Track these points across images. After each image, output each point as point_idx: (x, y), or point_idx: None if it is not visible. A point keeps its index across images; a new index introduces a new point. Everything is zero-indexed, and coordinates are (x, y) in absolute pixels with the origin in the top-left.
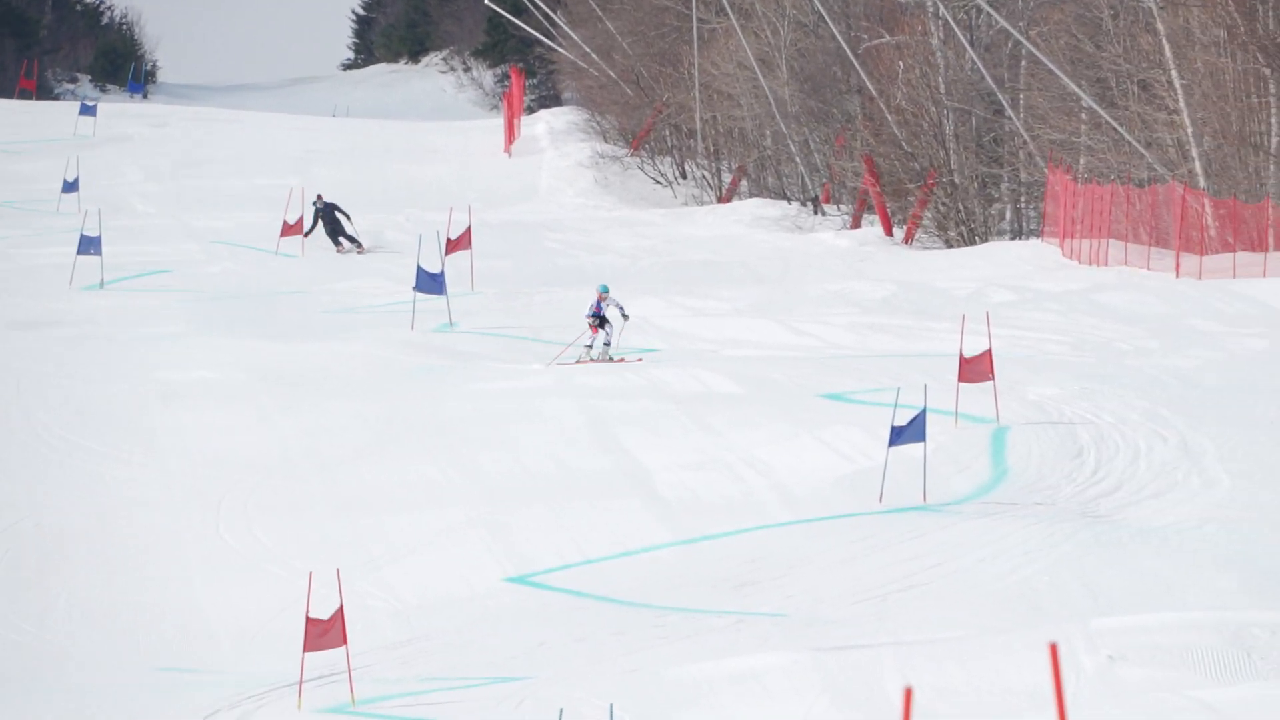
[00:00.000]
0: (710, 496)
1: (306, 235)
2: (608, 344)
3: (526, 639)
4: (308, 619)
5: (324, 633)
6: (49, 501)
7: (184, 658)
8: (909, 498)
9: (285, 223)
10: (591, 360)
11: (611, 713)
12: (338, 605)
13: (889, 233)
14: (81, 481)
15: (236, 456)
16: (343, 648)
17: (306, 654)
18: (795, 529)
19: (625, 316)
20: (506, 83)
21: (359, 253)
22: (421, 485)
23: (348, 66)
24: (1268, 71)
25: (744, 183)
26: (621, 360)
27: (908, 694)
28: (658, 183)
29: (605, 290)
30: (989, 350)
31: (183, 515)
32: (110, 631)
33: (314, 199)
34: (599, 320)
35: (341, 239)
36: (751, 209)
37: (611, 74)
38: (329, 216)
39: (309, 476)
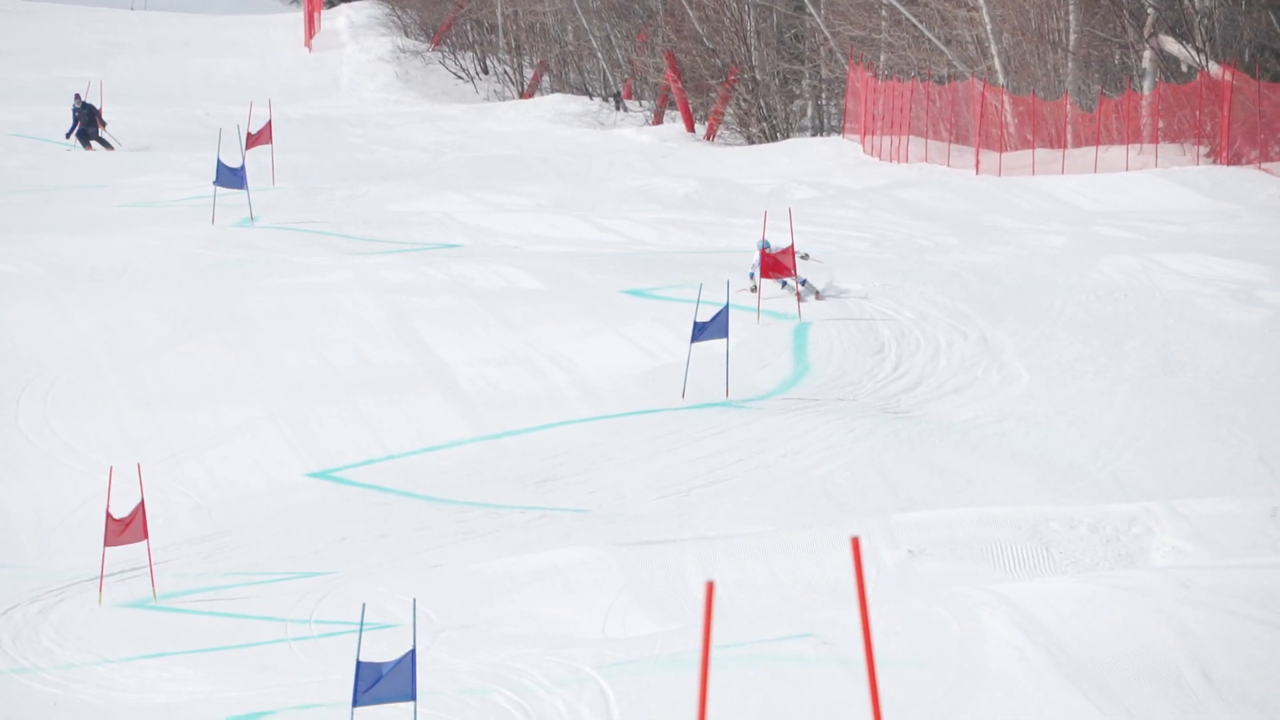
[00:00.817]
0: (513, 392)
1: (68, 136)
2: (804, 282)
3: (329, 534)
4: (108, 514)
5: (124, 528)
6: None
7: None
8: (712, 394)
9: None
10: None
11: (415, 608)
12: (139, 500)
13: (691, 129)
14: None
15: (34, 352)
16: (144, 542)
17: (107, 549)
18: (598, 425)
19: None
20: None
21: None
22: (221, 380)
23: None
24: None
25: (546, 78)
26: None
27: (709, 588)
28: (459, 78)
29: (765, 246)
30: (791, 246)
31: None
32: None
33: (74, 99)
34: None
35: (93, 141)
36: (554, 105)
37: None
38: (87, 117)
39: (108, 371)
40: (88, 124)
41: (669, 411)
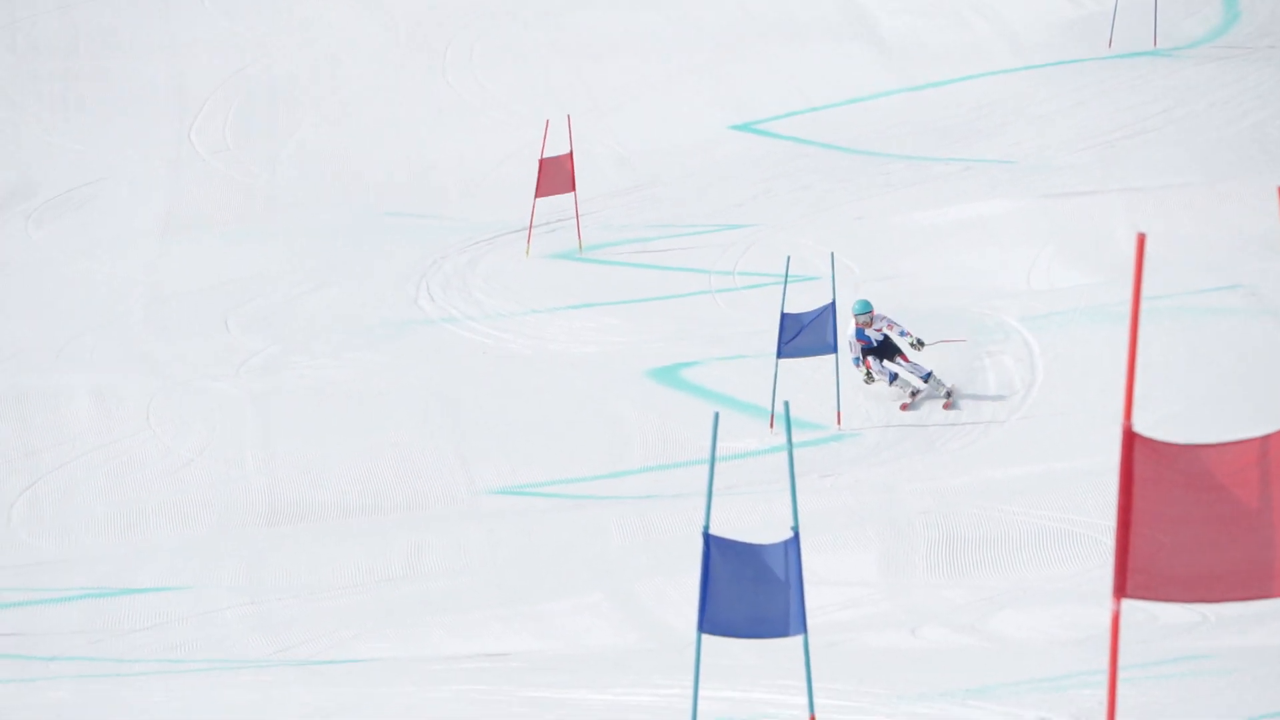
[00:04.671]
0: (937, 42)
1: None
2: (925, 377)
3: (751, 186)
4: (541, 161)
5: (553, 177)
6: (276, 47)
7: (413, 204)
8: (1139, 42)
9: None
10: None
11: (833, 260)
12: (567, 150)
13: None
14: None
15: (459, 4)
16: (571, 194)
17: (536, 200)
18: (1023, 75)
19: (917, 344)
20: None
21: None
22: (642, 32)
23: None
24: None
25: None
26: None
27: (1140, 240)
28: None
29: (863, 309)
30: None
31: (407, 64)
32: (340, 176)
33: None
34: (873, 353)
35: None
36: None
37: None
38: None
39: (533, 22)
40: None
41: (1094, 61)
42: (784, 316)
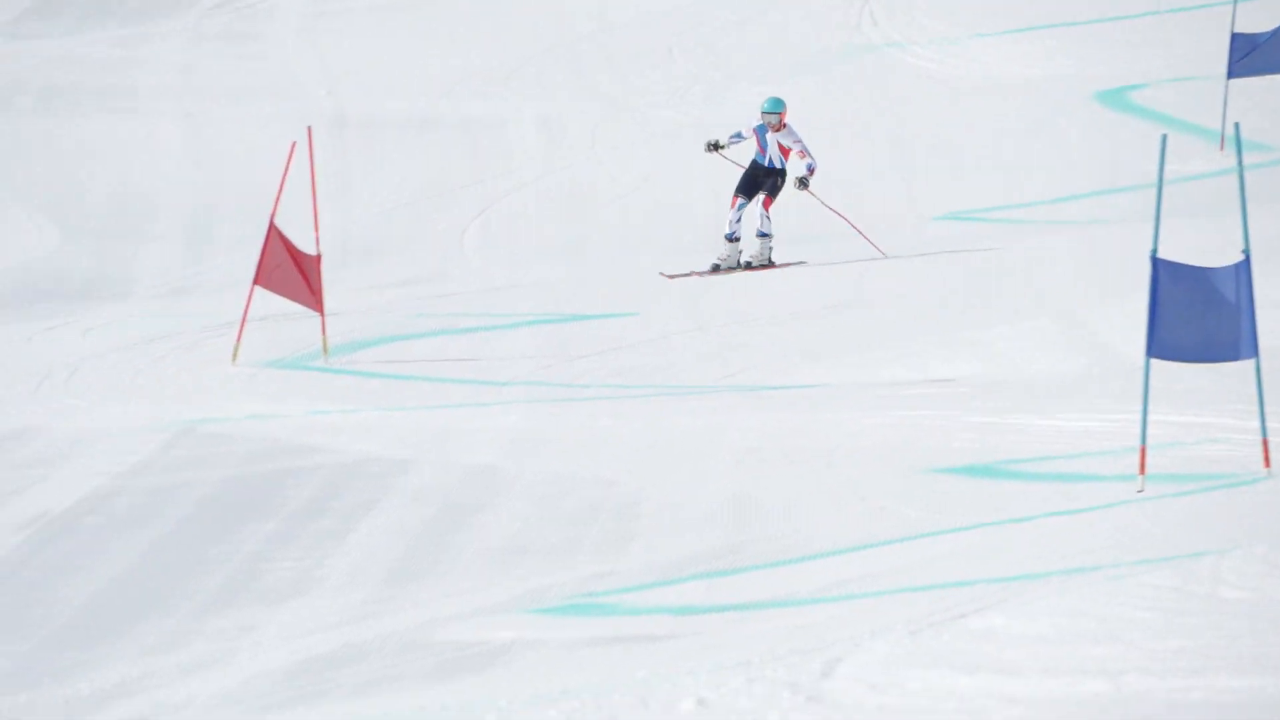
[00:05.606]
0: None
1: None
2: (765, 234)
3: None
4: None
5: None
6: None
7: None
8: None
9: None
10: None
11: None
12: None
13: None
14: None
15: None
16: None
17: None
18: None
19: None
20: None
21: None
22: None
23: None
24: None
25: None
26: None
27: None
28: None
29: (775, 107)
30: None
31: None
32: None
33: None
34: (758, 173)
35: None
36: None
37: None
38: None
39: None
40: None
41: None
42: (1234, 36)
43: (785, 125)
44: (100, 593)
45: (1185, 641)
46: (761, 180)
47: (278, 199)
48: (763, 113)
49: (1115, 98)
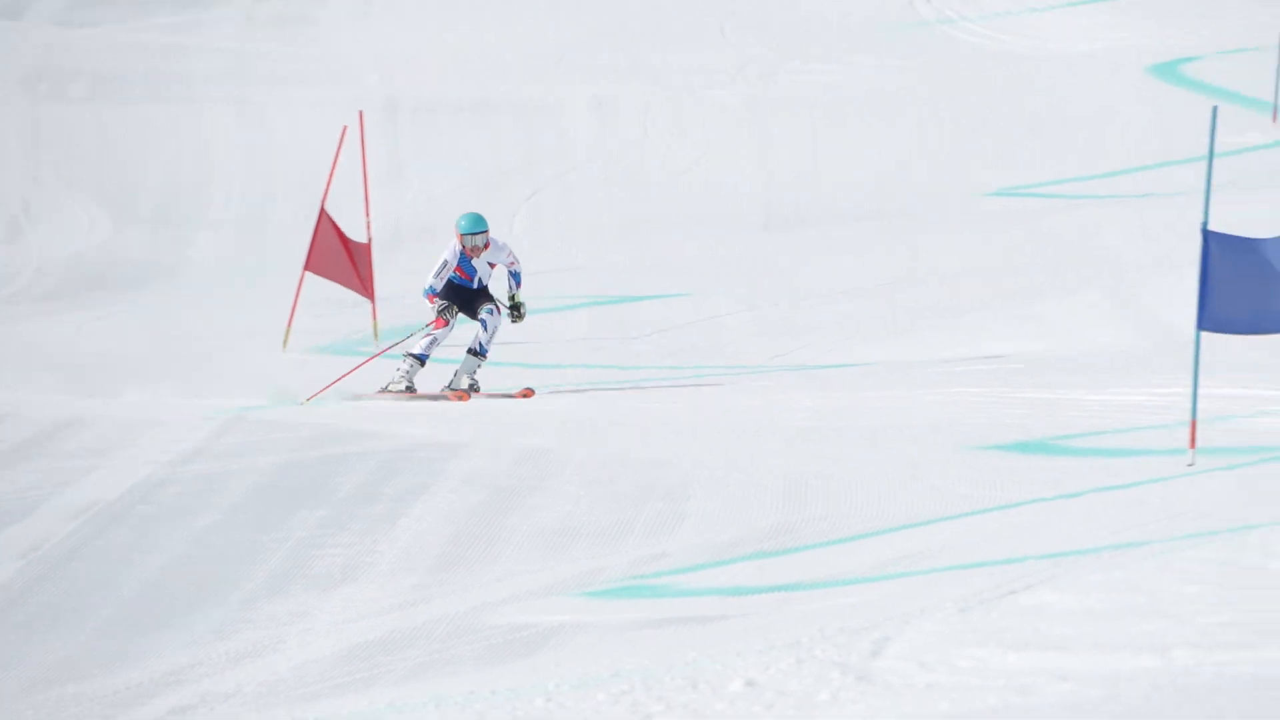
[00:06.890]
0: None
1: None
2: (480, 351)
3: None
4: None
5: None
6: None
7: None
8: None
9: None
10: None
11: None
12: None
13: None
14: None
15: None
16: None
17: None
18: None
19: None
20: None
21: None
22: None
23: None
24: None
25: None
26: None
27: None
28: None
29: (477, 227)
30: None
31: None
32: None
33: None
34: (468, 295)
35: None
36: None
37: None
38: None
39: None
40: None
41: None
42: None
43: (491, 241)
44: (151, 581)
45: (1235, 615)
46: (479, 303)
47: (328, 185)
48: (464, 235)
49: (1168, 70)
